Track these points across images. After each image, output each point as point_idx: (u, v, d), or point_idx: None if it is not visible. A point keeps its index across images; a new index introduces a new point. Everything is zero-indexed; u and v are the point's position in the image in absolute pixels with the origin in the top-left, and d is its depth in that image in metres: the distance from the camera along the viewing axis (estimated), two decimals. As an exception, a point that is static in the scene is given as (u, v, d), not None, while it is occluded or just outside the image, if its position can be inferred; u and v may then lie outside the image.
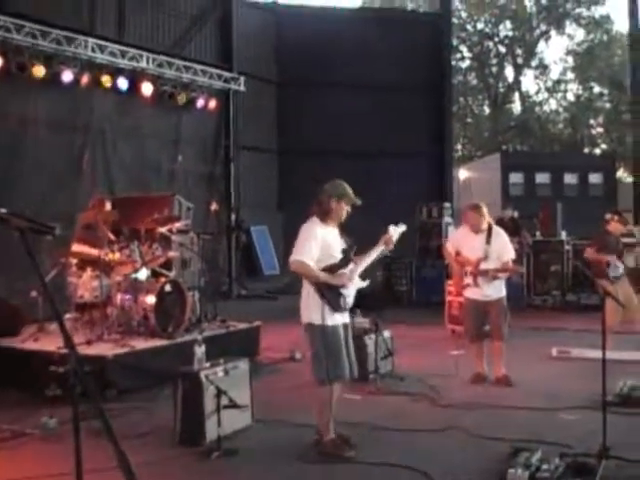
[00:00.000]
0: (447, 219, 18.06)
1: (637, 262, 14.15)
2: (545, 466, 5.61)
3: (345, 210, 6.44)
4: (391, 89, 23.12)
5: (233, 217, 19.56)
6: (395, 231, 6.77)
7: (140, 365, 8.62)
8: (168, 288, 9.58)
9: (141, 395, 8.19)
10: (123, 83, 15.54)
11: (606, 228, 10.89)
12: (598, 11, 50.93)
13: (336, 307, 6.27)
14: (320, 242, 6.24)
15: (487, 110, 55.74)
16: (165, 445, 6.56)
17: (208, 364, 6.77)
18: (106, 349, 8.62)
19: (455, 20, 43.56)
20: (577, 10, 51.43)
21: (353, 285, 6.48)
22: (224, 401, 6.41)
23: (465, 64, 53.47)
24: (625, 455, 5.84)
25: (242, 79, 18.87)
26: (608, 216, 11.11)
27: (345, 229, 6.59)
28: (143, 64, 15.93)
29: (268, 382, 8.93)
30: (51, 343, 8.69)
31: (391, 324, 10.48)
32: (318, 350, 6.30)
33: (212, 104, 17.91)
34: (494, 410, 7.71)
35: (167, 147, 17.44)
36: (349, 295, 6.42)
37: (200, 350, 6.74)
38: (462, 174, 41.82)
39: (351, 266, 6.44)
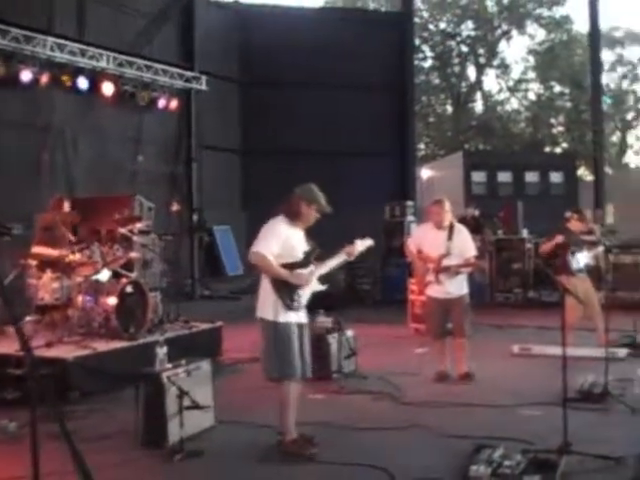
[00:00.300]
0: (410, 218, 18.11)
1: (597, 260, 14.32)
2: (507, 462, 5.65)
3: (314, 216, 6.44)
4: (354, 89, 23.14)
5: (195, 217, 19.47)
6: (361, 244, 6.81)
7: (102, 367, 8.56)
8: (129, 289, 9.52)
9: (103, 397, 8.14)
10: (83, 83, 15.41)
11: (567, 226, 11.00)
12: (559, 11, 51.31)
13: (289, 305, 6.26)
14: (283, 240, 6.24)
15: (449, 109, 55.96)
16: (127, 447, 6.51)
17: (170, 365, 6.72)
18: (67, 351, 8.54)
19: (417, 20, 43.63)
20: (538, 10, 51.75)
21: (310, 286, 6.47)
22: (186, 402, 6.39)
23: (427, 64, 53.56)
24: (586, 450, 5.90)
25: (204, 78, 18.78)
26: (568, 214, 11.22)
27: (309, 230, 6.58)
28: (103, 63, 15.81)
29: (231, 382, 8.93)
30: (10, 346, 8.58)
31: (354, 323, 10.52)
32: (269, 346, 6.32)
33: (174, 104, 17.82)
34: (456, 407, 7.75)
35: (128, 147, 17.34)
36: (304, 295, 6.41)
37: (162, 351, 6.71)
38: (425, 173, 41.91)
39: (311, 267, 6.44)
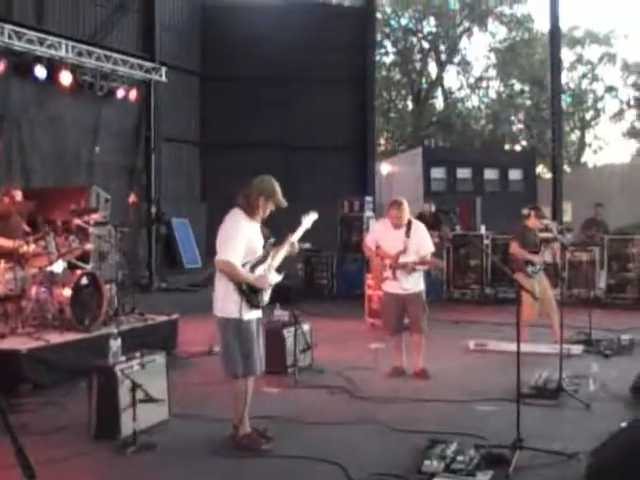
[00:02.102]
0: (369, 213, 18.12)
1: (554, 257, 14.44)
2: (460, 457, 5.68)
3: (270, 208, 6.40)
4: (315, 83, 23.15)
5: (154, 209, 19.33)
6: (308, 220, 6.81)
7: (55, 359, 8.46)
8: (85, 281, 9.42)
9: (56, 390, 8.04)
10: (41, 72, 15.19)
11: (525, 224, 11.10)
12: (520, 10, 51.73)
13: (255, 304, 6.24)
14: (245, 239, 6.18)
15: (410, 105, 56.18)
16: (80, 440, 6.44)
17: (124, 358, 6.65)
18: (20, 343, 8.41)
19: (379, 15, 43.76)
20: (499, 8, 52.13)
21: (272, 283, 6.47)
22: (140, 395, 6.33)
23: (389, 59, 53.82)
24: (538, 446, 5.95)
25: (164, 70, 18.62)
26: (525, 211, 11.32)
27: (266, 222, 6.55)
28: (62, 52, 15.60)
29: (186, 376, 8.87)
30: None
31: (311, 317, 10.53)
32: (231, 344, 6.25)
33: (133, 94, 17.67)
34: (411, 403, 7.76)
35: (86, 138, 17.17)
36: (267, 292, 6.41)
37: (115, 344, 6.63)
38: (384, 168, 42.03)
39: (268, 261, 6.42)
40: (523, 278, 10.24)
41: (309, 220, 6.88)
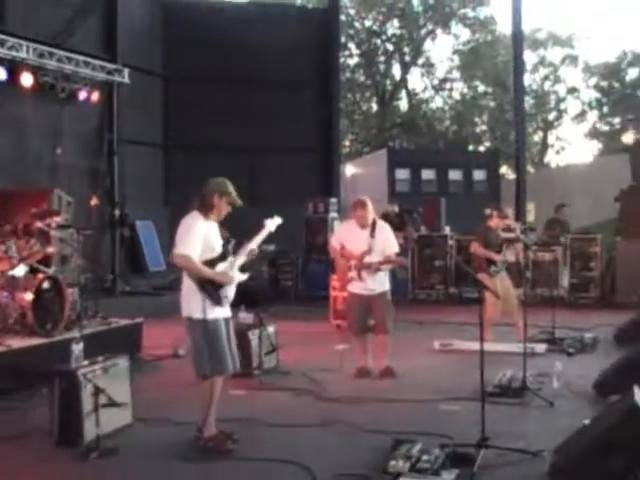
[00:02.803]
0: (333, 214, 18.11)
1: (517, 257, 14.53)
2: (425, 457, 5.70)
3: (226, 208, 6.43)
4: (279, 84, 23.09)
5: (117, 212, 19.20)
6: (272, 223, 6.80)
7: (17, 364, 8.35)
8: (46, 285, 9.29)
9: (18, 395, 7.92)
10: (1, 73, 15.03)
11: (488, 224, 11.20)
12: (483, 12, 52.09)
13: (217, 301, 6.24)
14: (202, 237, 6.22)
15: (375, 107, 56.32)
16: (42, 446, 6.37)
17: (86, 362, 6.59)
18: (-19, 348, 8.32)
19: (343, 17, 43.87)
20: (462, 10, 52.43)
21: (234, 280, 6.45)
22: (103, 399, 6.28)
23: (353, 61, 53.91)
24: (503, 444, 6.00)
25: (126, 71, 18.51)
26: (488, 211, 11.40)
27: (230, 223, 6.55)
28: (23, 54, 15.44)
29: (150, 379, 8.82)
30: None
31: (276, 319, 10.50)
32: (199, 344, 6.26)
33: (95, 96, 17.54)
34: (377, 403, 7.77)
35: (48, 140, 16.98)
36: (230, 289, 6.39)
37: (78, 348, 6.58)
38: (349, 170, 42.12)
39: (230, 259, 6.42)
40: (486, 278, 10.35)
41: (273, 224, 6.87)
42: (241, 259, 6.55)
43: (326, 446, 6.42)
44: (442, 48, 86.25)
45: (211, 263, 6.29)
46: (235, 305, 6.69)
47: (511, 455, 5.91)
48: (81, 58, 17.04)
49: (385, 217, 13.39)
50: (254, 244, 6.65)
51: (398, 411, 7.49)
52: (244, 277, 6.61)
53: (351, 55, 53.20)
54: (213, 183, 6.47)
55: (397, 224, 14.75)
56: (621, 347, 9.99)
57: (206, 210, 6.36)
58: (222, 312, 6.40)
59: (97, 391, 6.23)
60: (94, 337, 9.05)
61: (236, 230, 6.69)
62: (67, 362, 6.58)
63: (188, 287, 6.30)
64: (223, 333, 6.36)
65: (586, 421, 5.80)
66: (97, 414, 6.18)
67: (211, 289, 6.24)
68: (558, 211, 17.51)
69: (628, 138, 46.71)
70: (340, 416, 7.17)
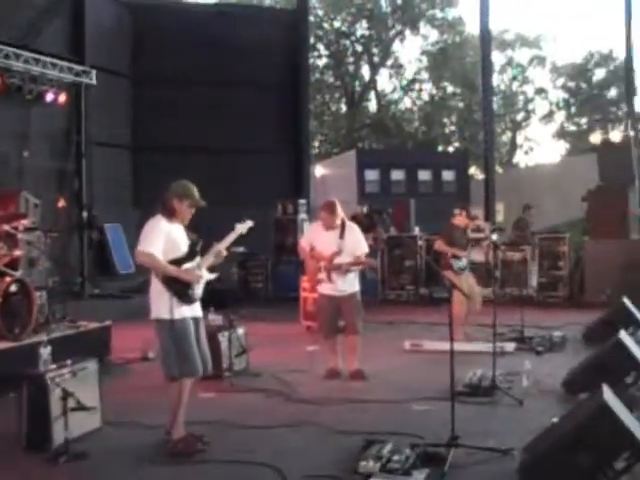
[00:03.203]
0: (303, 215, 18.12)
1: (486, 257, 14.58)
2: (396, 457, 5.72)
3: (188, 211, 6.44)
4: (248, 86, 23.02)
5: (85, 214, 19.06)
6: (242, 227, 6.82)
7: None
8: (14, 288, 9.20)
9: (-16, 400, 7.87)
10: (-33, 75, 14.90)
11: (452, 222, 11.34)
12: (451, 13, 52.33)
13: (184, 299, 6.23)
14: (165, 236, 6.22)
15: (344, 108, 56.39)
16: (11, 451, 6.33)
17: (54, 366, 6.54)
18: (-53, 352, 8.24)
19: (312, 18, 43.84)
20: (431, 12, 52.63)
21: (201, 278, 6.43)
22: (71, 403, 6.24)
23: (322, 62, 53.95)
24: (473, 443, 6.04)
25: (94, 73, 18.34)
26: (457, 211, 11.48)
27: (200, 225, 6.55)
28: (-12, 56, 15.30)
29: (119, 383, 8.76)
30: None
31: (246, 321, 10.46)
32: (167, 345, 6.25)
33: (62, 98, 17.36)
34: (348, 404, 7.77)
35: (14, 142, 16.80)
36: (197, 287, 6.37)
37: (46, 351, 6.53)
38: (319, 171, 42.15)
39: (198, 259, 6.41)
40: (452, 276, 10.46)
41: (243, 227, 6.89)
42: (209, 260, 6.53)
43: (296, 447, 6.41)
44: (411, 49, 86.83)
45: (177, 262, 6.29)
46: (204, 307, 6.66)
47: (481, 454, 5.94)
48: (48, 59, 16.85)
49: (354, 218, 13.40)
50: (222, 245, 6.65)
51: (369, 412, 7.50)
52: (212, 276, 6.62)
53: (320, 56, 53.27)
54: (173, 186, 6.47)
55: (366, 225, 14.77)
56: (589, 346, 10.08)
57: (168, 214, 6.36)
58: (190, 312, 6.38)
59: (66, 395, 6.19)
60: (62, 341, 8.98)
61: (206, 231, 6.68)
62: (35, 366, 6.52)
63: (156, 288, 6.29)
64: (191, 334, 6.34)
65: (555, 419, 5.84)
66: (66, 418, 6.14)
67: (178, 286, 6.22)
68: (525, 212, 17.66)
69: (595, 138, 46.99)
70: (310, 417, 7.18)
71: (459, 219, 11.44)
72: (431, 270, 16.05)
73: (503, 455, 5.89)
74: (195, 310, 6.48)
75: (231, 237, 6.79)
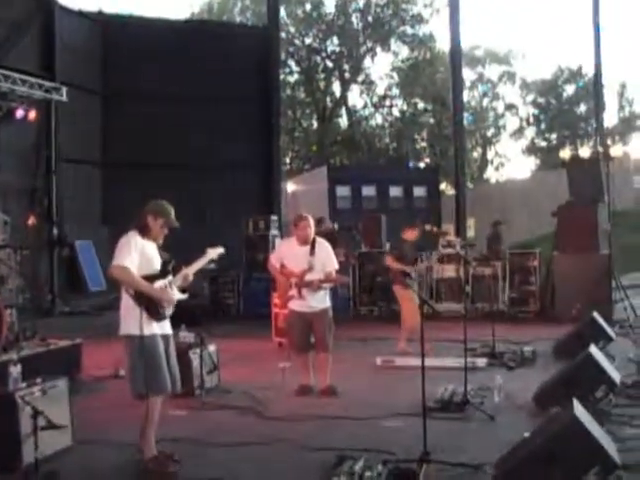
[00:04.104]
0: (274, 232, 18.09)
1: (457, 272, 14.73)
2: (368, 473, 5.73)
3: (162, 230, 6.45)
4: (219, 102, 23.05)
5: (55, 231, 18.96)
6: (213, 252, 6.86)
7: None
8: (-17, 306, 9.16)
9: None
10: (-64, 92, 14.81)
11: (402, 237, 11.60)
12: (421, 29, 52.55)
13: (154, 315, 6.21)
14: (139, 252, 6.21)
15: (315, 124, 56.46)
16: (-21, 471, 6.24)
17: (24, 384, 6.48)
18: None
19: (283, 34, 43.95)
20: (402, 28, 52.87)
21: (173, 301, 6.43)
22: (41, 422, 6.17)
23: (293, 78, 54.01)
24: (445, 458, 6.05)
25: (64, 89, 18.31)
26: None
27: (171, 241, 6.55)
28: (-42, 72, 15.23)
29: (90, 400, 8.67)
30: None
31: (218, 338, 10.42)
32: (135, 362, 6.21)
33: (32, 115, 17.31)
34: (320, 421, 7.75)
35: (-16, 159, 16.74)
36: (168, 306, 6.36)
37: (16, 370, 6.46)
38: (290, 187, 42.19)
39: (169, 278, 6.40)
40: (401, 289, 11.16)
41: (214, 252, 6.93)
42: (177, 282, 6.52)
43: (268, 464, 6.40)
44: (381, 65, 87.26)
45: (149, 279, 6.27)
46: (176, 324, 6.64)
47: (453, 470, 5.94)
48: (18, 76, 16.80)
49: (323, 234, 13.42)
50: (191, 270, 6.66)
51: (341, 428, 7.48)
52: (183, 297, 6.59)
53: (291, 72, 53.32)
54: (151, 204, 6.49)
55: (334, 241, 14.75)
56: (560, 360, 10.10)
57: (142, 230, 6.36)
58: (160, 328, 6.36)
59: (36, 413, 6.11)
60: (32, 359, 8.91)
61: (177, 247, 6.68)
62: (5, 384, 6.45)
63: (126, 304, 6.26)
64: (161, 350, 6.32)
65: (526, 434, 5.86)
66: (36, 437, 6.05)
67: (149, 303, 6.20)
68: (497, 227, 17.82)
69: (565, 154, 47.43)
70: (282, 434, 7.15)
71: (409, 234, 11.69)
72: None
73: (475, 470, 5.90)
74: (165, 327, 6.46)
75: (201, 262, 6.82)
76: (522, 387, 8.71)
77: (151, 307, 6.21)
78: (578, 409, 5.44)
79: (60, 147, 19.37)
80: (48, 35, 19.72)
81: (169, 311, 6.44)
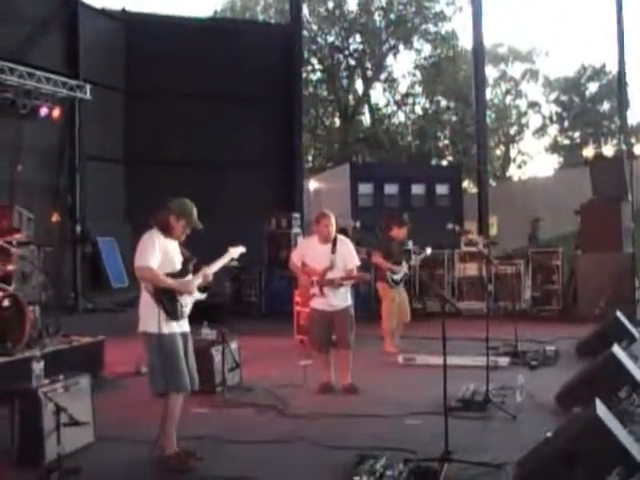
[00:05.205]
0: (296, 230, 18.10)
1: (479, 271, 14.66)
2: (389, 472, 5.72)
3: (184, 229, 6.44)
4: (241, 100, 23.08)
5: (78, 228, 19.05)
6: (234, 252, 6.85)
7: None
8: (7, 303, 9.18)
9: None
10: (-39, 89, 14.90)
11: (390, 235, 11.65)
12: (445, 27, 52.37)
13: (172, 315, 6.21)
14: (161, 251, 6.21)
15: (337, 122, 56.43)
16: (3, 466, 6.28)
17: (47, 381, 6.51)
18: (-61, 367, 8.21)
19: (306, 32, 43.93)
20: (424, 26, 52.71)
21: (192, 296, 6.42)
22: (64, 418, 6.20)
23: (316, 76, 54.01)
24: (467, 458, 6.02)
25: (88, 87, 18.37)
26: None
27: (192, 239, 6.54)
28: (-18, 70, 15.30)
29: (112, 397, 8.72)
30: None
31: (240, 335, 10.41)
32: (154, 360, 6.23)
33: (56, 112, 17.37)
34: (341, 419, 7.75)
35: (8, 156, 16.81)
36: (187, 304, 6.36)
37: (38, 366, 6.49)
38: (312, 185, 42.16)
39: (190, 277, 6.40)
40: (385, 287, 11.46)
41: (236, 252, 6.93)
42: (197, 280, 6.52)
43: (289, 462, 6.40)
44: (404, 63, 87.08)
45: (172, 277, 6.27)
46: (198, 321, 6.65)
47: (474, 469, 5.91)
48: (42, 74, 16.87)
49: (341, 232, 13.43)
50: (211, 270, 6.65)
51: (361, 426, 7.47)
52: (203, 296, 6.59)
53: (314, 70, 53.31)
54: (173, 203, 6.46)
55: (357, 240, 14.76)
56: (583, 359, 10.06)
57: (163, 230, 6.36)
58: (179, 327, 6.37)
59: (58, 410, 6.15)
60: (55, 355, 8.97)
61: (198, 245, 6.68)
62: (28, 381, 6.48)
63: (145, 301, 6.28)
64: (180, 349, 6.33)
65: (548, 433, 5.82)
66: (58, 433, 6.09)
67: (167, 302, 6.20)
68: (535, 224, 17.81)
69: (588, 152, 47.29)
70: (303, 432, 7.15)
71: (397, 232, 11.85)
72: (423, 284, 16.07)
73: (496, 470, 5.87)
74: (183, 325, 6.46)
75: (222, 261, 6.83)
76: (544, 386, 8.66)
77: (169, 307, 6.21)
78: (601, 409, 5.40)
79: (83, 144, 19.44)
80: (72, 33, 19.80)
81: (187, 310, 6.44)
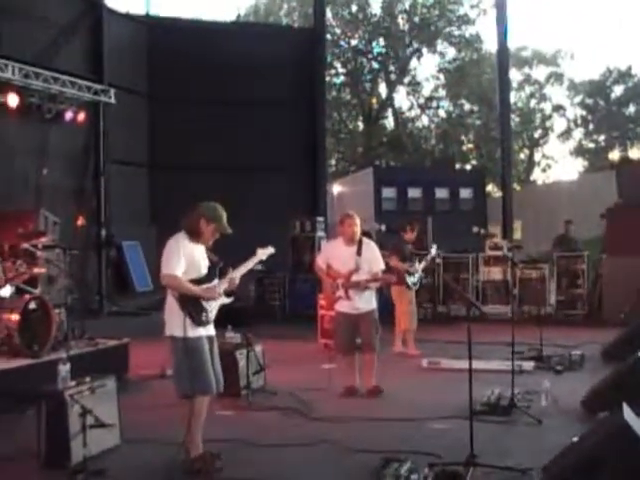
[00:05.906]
0: (320, 233, 18.14)
1: (504, 274, 14.56)
2: (414, 476, 5.73)
3: (213, 234, 6.42)
4: (265, 104, 23.08)
5: (103, 232, 19.13)
6: (263, 253, 6.86)
7: (3, 386, 8.29)
8: (33, 305, 9.26)
9: (4, 417, 7.85)
10: (-13, 94, 15.00)
11: (403, 238, 11.73)
12: (469, 30, 52.22)
13: (197, 321, 6.23)
14: (187, 256, 6.22)
15: (361, 126, 56.39)
16: (29, 469, 6.34)
17: (73, 383, 6.55)
18: (-33, 370, 8.27)
19: (329, 36, 43.98)
20: (448, 29, 52.61)
21: (217, 300, 6.43)
22: (90, 420, 6.24)
23: (339, 80, 54.02)
24: (492, 462, 6.02)
25: (113, 91, 18.46)
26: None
27: (218, 241, 6.55)
28: (8, 74, 15.35)
29: (137, 400, 8.76)
30: None
31: (264, 339, 10.45)
32: (180, 363, 6.25)
33: (81, 116, 17.45)
34: (365, 422, 7.76)
35: (34, 160, 16.88)
36: (212, 310, 6.37)
37: (64, 369, 6.53)
38: (336, 189, 42.17)
39: (216, 281, 6.41)
40: (402, 290, 11.83)
41: (264, 253, 6.94)
42: (223, 285, 6.52)
43: (314, 466, 6.41)
44: (428, 66, 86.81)
45: (196, 283, 6.29)
46: (222, 325, 6.67)
47: (500, 473, 5.90)
48: (67, 78, 16.96)
49: (368, 236, 13.45)
50: (239, 272, 6.65)
51: (386, 430, 7.48)
52: (228, 301, 6.60)
53: (337, 74, 53.30)
54: (203, 207, 6.44)
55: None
56: (608, 364, 10.01)
57: (192, 234, 6.35)
58: (205, 330, 6.39)
59: (84, 412, 6.18)
60: (81, 358, 9.05)
61: (224, 248, 6.68)
62: (54, 383, 6.52)
63: (170, 306, 6.29)
64: (206, 352, 6.34)
65: (574, 438, 5.79)
66: (84, 435, 6.12)
67: (192, 308, 6.22)
68: (566, 228, 17.65)
69: (614, 155, 47.07)
70: (328, 435, 7.15)
71: (409, 235, 12.20)
72: (448, 288, 16.04)
73: (522, 475, 5.86)
74: (209, 329, 6.47)
75: (250, 263, 6.82)
76: (570, 391, 8.63)
77: (194, 313, 6.23)
78: (628, 414, 5.36)
79: (108, 149, 19.53)
80: (96, 37, 19.87)
81: (212, 316, 6.45)
